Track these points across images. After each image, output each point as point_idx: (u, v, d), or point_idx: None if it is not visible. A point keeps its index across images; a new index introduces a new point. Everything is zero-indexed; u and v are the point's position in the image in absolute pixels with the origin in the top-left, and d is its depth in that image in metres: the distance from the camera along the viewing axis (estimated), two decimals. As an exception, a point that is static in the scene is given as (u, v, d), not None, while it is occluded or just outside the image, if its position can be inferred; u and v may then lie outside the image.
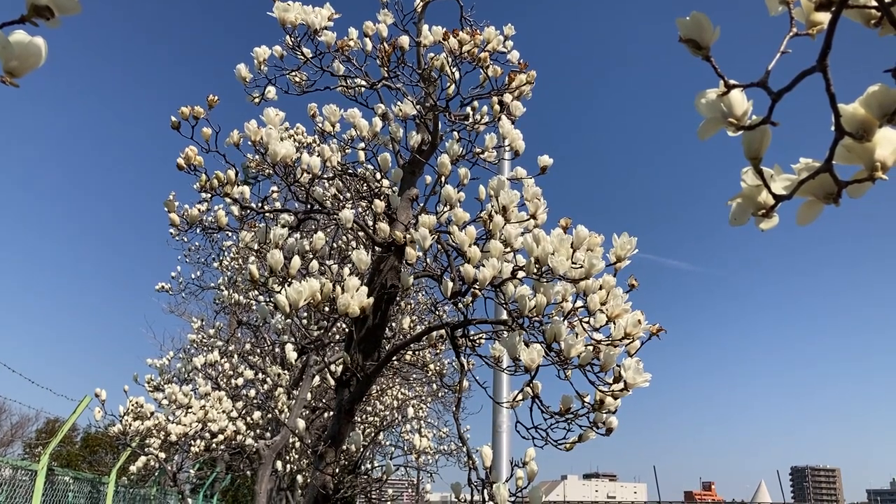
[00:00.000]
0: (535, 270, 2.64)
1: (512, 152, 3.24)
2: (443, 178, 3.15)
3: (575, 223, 2.69)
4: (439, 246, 3.26)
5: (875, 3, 0.86)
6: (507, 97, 3.31)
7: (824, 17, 0.98)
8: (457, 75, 3.30)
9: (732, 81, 1.05)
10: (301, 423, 4.25)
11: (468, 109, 3.49)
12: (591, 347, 2.73)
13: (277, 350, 9.44)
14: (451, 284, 2.93)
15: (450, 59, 3.26)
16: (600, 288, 2.73)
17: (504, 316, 3.03)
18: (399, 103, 3.57)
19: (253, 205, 3.64)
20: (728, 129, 1.07)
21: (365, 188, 3.77)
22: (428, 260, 3.76)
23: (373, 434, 10.49)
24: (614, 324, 2.70)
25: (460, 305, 3.09)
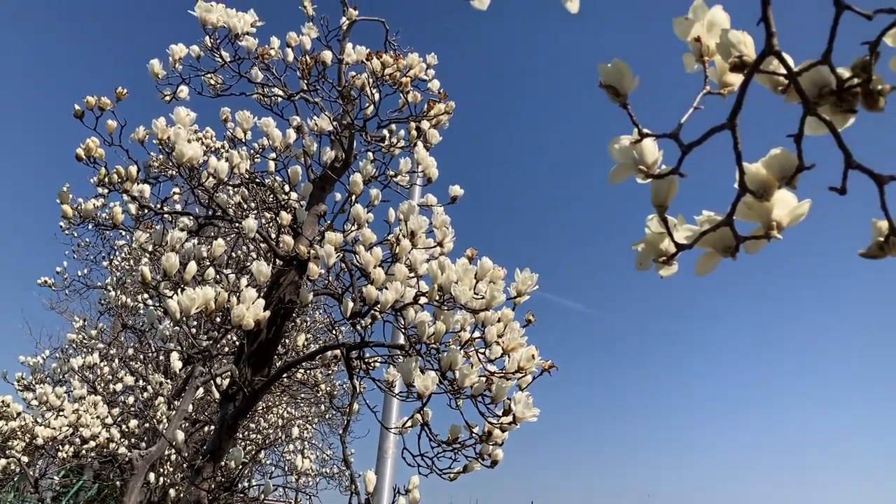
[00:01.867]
0: (438, 298, 2.64)
1: (425, 179, 3.25)
2: (353, 197, 3.12)
3: (481, 255, 2.72)
4: (343, 265, 3.22)
5: (784, 72, 0.91)
6: (425, 124, 3.33)
7: (736, 79, 1.03)
8: (377, 96, 3.30)
9: (646, 130, 1.08)
10: (180, 436, 4.07)
11: (385, 132, 3.49)
12: (484, 378, 2.74)
13: (162, 357, 9.06)
14: (351, 304, 2.89)
15: (371, 80, 3.25)
16: (499, 320, 2.76)
17: (402, 341, 3.01)
18: (315, 117, 3.53)
19: (152, 205, 3.50)
20: (638, 176, 1.10)
21: (272, 199, 3.69)
22: (330, 278, 3.70)
23: (254, 451, 10.18)
24: (509, 357, 2.73)
25: (359, 327, 3.06)
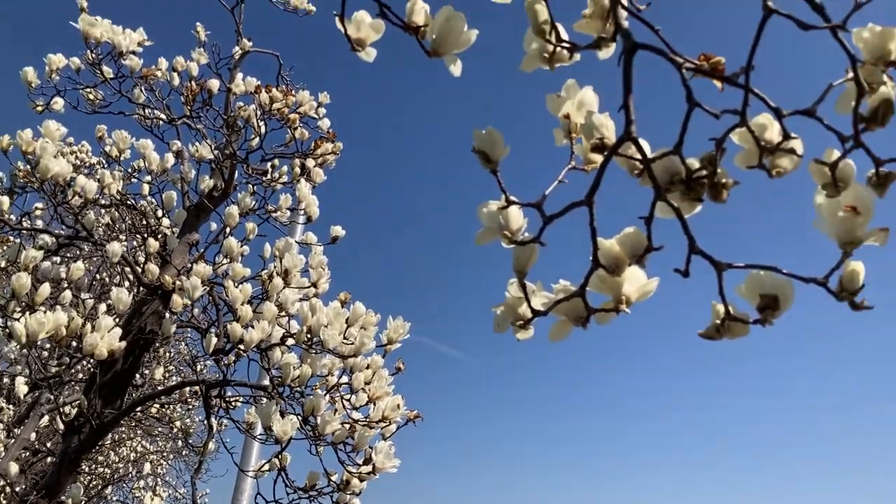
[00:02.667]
0: (306, 340, 2.60)
1: (305, 217, 3.22)
2: (228, 229, 3.05)
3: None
4: (211, 298, 3.12)
5: (639, 157, 0.97)
6: (310, 162, 3.31)
7: (598, 158, 1.08)
8: (263, 129, 3.26)
9: (513, 198, 1.12)
10: (14, 468, 3.77)
11: (268, 165, 3.43)
12: (347, 426, 2.70)
13: (7, 381, 8.40)
14: (214, 340, 2.80)
15: (258, 113, 3.21)
16: (367, 367, 2.73)
17: (266, 381, 2.93)
18: (197, 144, 3.43)
19: (11, 217, 3.28)
20: (503, 240, 1.13)
21: (143, 224, 3.54)
22: (196, 310, 3.58)
23: (99, 486, 9.54)
24: (374, 405, 2.70)
25: (222, 364, 2.96)
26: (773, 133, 0.97)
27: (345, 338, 2.52)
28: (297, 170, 3.31)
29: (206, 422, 3.19)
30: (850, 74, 0.95)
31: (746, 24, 0.95)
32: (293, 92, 3.29)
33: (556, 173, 1.14)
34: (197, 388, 3.17)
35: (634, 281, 1.07)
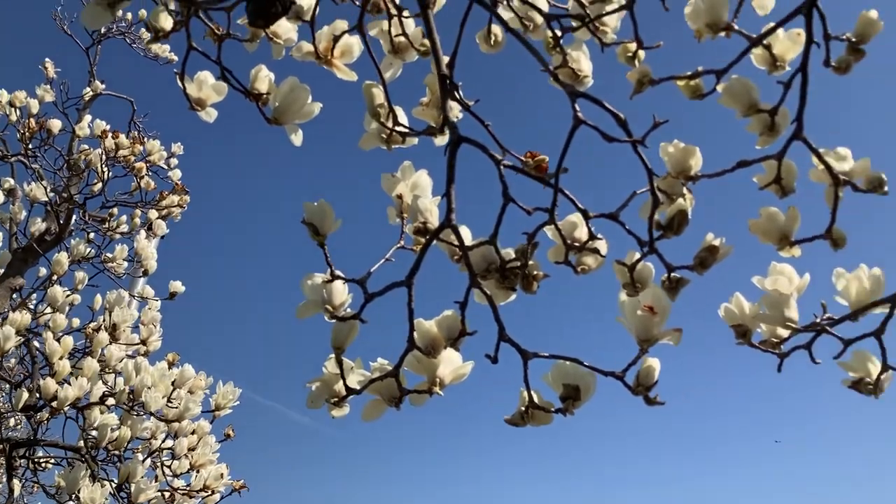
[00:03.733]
0: (127, 401, 2.45)
1: (143, 269, 3.07)
2: (55, 277, 2.85)
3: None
4: (28, 349, 2.89)
5: (457, 244, 1.00)
6: (153, 213, 3.18)
7: (422, 240, 1.11)
8: (107, 175, 3.11)
9: (338, 273, 1.12)
10: None
11: (108, 213, 3.27)
12: (166, 494, 2.54)
13: None
14: (25, 395, 2.58)
15: (103, 158, 3.07)
16: (193, 432, 2.61)
17: (81, 443, 2.72)
18: (33, 184, 3.23)
19: None
20: (325, 314, 1.13)
21: (-40, 263, 3.25)
22: (13, 361, 3.31)
23: None
24: (197, 472, 2.57)
25: (33, 421, 2.73)
26: (583, 232, 1.04)
27: (170, 400, 2.39)
28: (137, 220, 3.17)
29: (7, 484, 2.92)
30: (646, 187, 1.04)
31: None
32: (144, 140, 3.18)
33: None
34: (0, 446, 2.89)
35: (449, 364, 1.09)
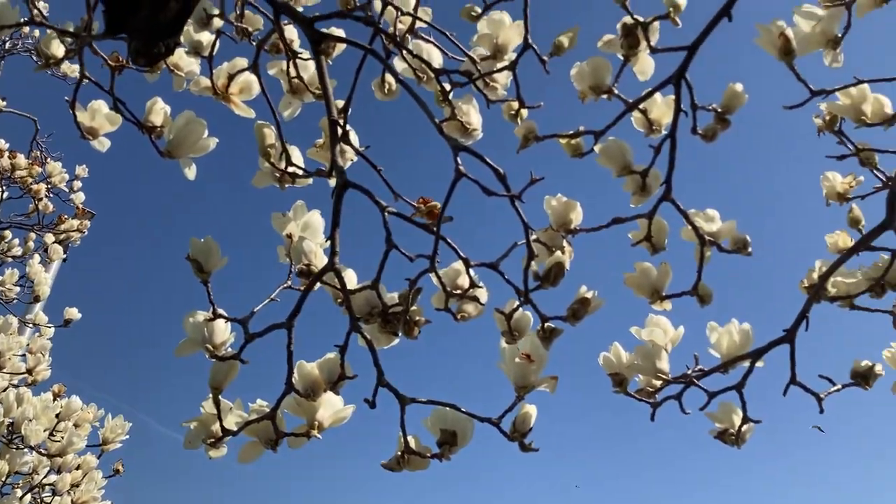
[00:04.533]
0: (6, 433, 2.33)
1: (34, 295, 2.95)
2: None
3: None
4: None
5: (340, 287, 1.01)
6: (50, 237, 3.07)
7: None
8: (2, 195, 2.99)
9: (221, 311, 1.11)
10: None
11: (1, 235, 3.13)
12: (45, 533, 2.42)
13: None
14: None
15: (-2, 177, 2.95)
16: (78, 467, 2.50)
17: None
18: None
19: None
20: (205, 353, 1.11)
21: None
22: None
23: None
24: (79, 511, 2.46)
25: None
26: (465, 280, 1.06)
27: (53, 434, 2.29)
28: (31, 244, 3.05)
29: None
30: (533, 237, 1.07)
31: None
32: (45, 161, 3.07)
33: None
34: None
35: (330, 407, 1.09)
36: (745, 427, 1.12)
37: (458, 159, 0.95)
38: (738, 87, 1.08)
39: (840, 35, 1.21)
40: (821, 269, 1.18)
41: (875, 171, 1.26)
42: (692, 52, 0.98)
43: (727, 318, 1.22)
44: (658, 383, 1.17)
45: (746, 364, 1.10)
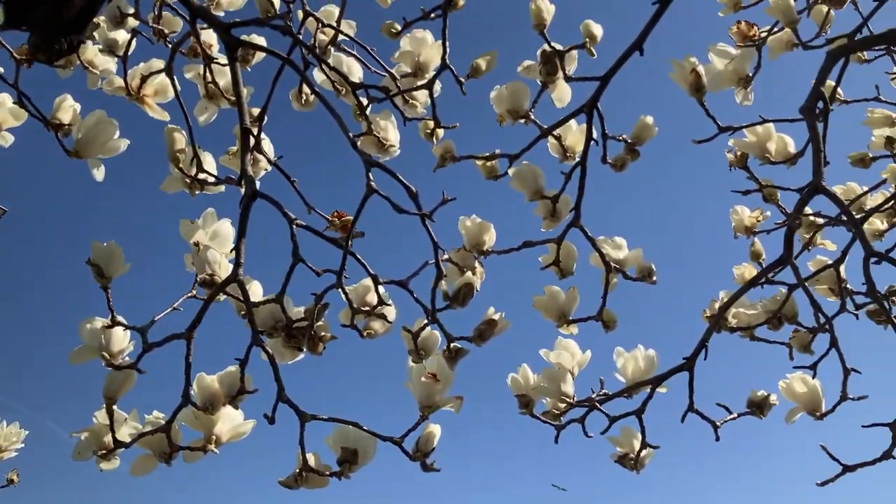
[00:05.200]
0: None
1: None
2: None
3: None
4: None
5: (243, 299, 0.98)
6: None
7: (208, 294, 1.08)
8: None
9: (120, 319, 1.07)
10: None
11: None
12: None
13: None
14: None
15: None
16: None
17: None
18: None
19: None
20: (103, 360, 1.07)
21: None
22: None
23: None
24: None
25: None
26: (373, 297, 1.05)
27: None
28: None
29: None
30: (444, 256, 1.07)
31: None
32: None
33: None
34: None
35: (229, 421, 1.06)
36: (644, 452, 1.14)
37: (371, 175, 0.95)
38: (649, 119, 1.11)
39: (751, 74, 1.26)
40: (723, 300, 1.22)
41: (778, 207, 1.31)
42: (604, 83, 1.00)
43: (636, 344, 1.25)
44: (563, 406, 1.18)
45: (645, 390, 1.12)
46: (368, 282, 1.05)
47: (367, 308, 1.05)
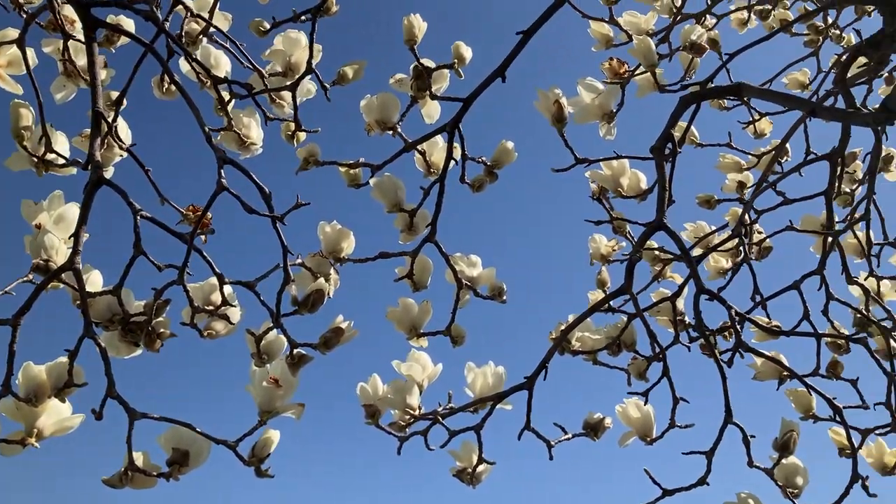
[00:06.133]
0: None
1: None
2: None
3: None
4: None
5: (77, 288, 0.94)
6: None
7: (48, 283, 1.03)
8: None
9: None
10: None
11: None
12: None
13: None
14: None
15: None
16: None
17: None
18: None
19: None
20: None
21: None
22: None
23: None
24: None
25: None
26: (218, 296, 1.03)
27: None
28: None
29: None
30: (298, 261, 1.07)
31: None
32: None
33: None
34: None
35: (55, 414, 1.01)
36: (480, 468, 1.16)
37: (223, 172, 0.93)
38: (509, 144, 1.15)
39: (615, 110, 1.31)
40: (569, 324, 1.27)
41: (627, 239, 1.38)
42: (467, 105, 1.02)
43: (488, 360, 1.28)
44: (407, 418, 1.20)
45: (487, 406, 1.15)
46: (214, 281, 1.03)
47: (210, 307, 1.02)
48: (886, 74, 1.65)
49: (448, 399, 1.25)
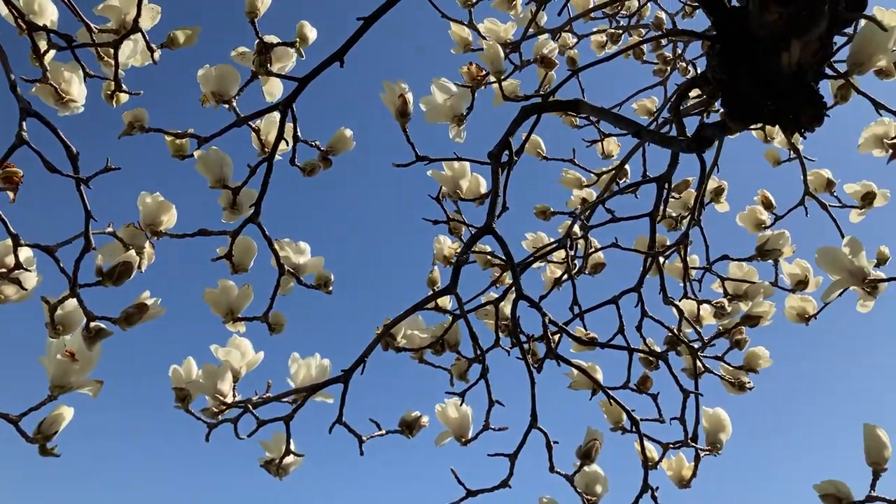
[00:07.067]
0: None
1: None
2: None
3: None
4: None
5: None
6: None
7: None
8: None
9: None
10: None
11: None
12: None
13: None
14: None
15: None
16: None
17: None
18: None
19: None
20: None
21: None
22: None
23: None
24: None
25: None
26: (12, 259, 0.95)
27: None
28: None
29: None
30: (108, 229, 1.00)
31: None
32: None
33: None
34: None
35: None
36: (288, 459, 1.14)
37: (25, 124, 0.86)
38: (348, 132, 1.13)
39: (465, 113, 1.32)
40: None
41: (461, 241, 1.39)
42: (302, 85, 1.00)
43: (314, 352, 1.25)
44: (218, 404, 1.15)
45: (297, 397, 1.12)
46: (9, 242, 0.95)
47: (3, 270, 0.95)
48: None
49: (266, 388, 1.21)
